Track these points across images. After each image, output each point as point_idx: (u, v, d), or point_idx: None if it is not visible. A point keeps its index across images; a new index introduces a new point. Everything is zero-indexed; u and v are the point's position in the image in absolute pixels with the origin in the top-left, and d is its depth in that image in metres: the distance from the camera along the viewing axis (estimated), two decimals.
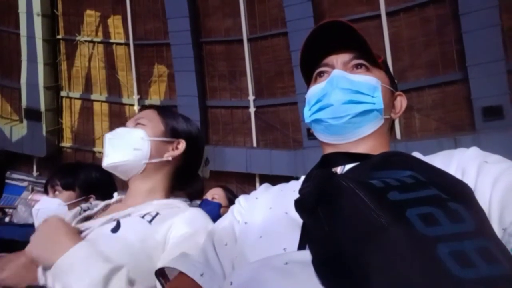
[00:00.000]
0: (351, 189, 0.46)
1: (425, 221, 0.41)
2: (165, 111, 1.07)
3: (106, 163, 0.96)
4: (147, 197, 0.96)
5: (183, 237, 0.84)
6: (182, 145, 1.03)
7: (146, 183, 0.99)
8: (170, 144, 1.02)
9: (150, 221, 0.85)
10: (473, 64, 6.65)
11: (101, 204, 1.02)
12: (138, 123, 1.01)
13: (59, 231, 0.79)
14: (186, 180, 1.08)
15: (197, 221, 0.88)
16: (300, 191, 0.57)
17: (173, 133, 1.03)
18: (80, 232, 0.85)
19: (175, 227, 0.85)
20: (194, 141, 1.08)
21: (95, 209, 0.99)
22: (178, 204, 0.96)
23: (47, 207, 1.43)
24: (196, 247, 0.75)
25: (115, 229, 0.83)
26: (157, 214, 0.87)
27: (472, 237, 0.40)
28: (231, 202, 2.13)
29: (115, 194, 1.06)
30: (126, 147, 0.96)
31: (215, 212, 2.05)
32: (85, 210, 1.00)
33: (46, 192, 1.50)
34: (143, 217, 0.86)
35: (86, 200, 1.46)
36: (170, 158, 1.00)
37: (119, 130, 1.00)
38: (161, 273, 0.74)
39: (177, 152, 1.02)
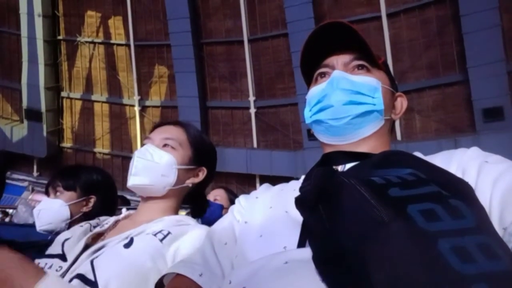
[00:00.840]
0: (352, 186, 0.47)
1: (426, 216, 0.41)
2: (193, 133, 1.06)
3: (132, 183, 0.96)
4: (159, 214, 0.97)
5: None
6: (203, 173, 1.05)
7: (161, 203, 1.00)
8: (192, 171, 1.03)
9: (161, 240, 0.85)
10: (473, 65, 6.65)
11: (111, 220, 1.02)
12: (167, 144, 1.00)
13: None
14: (194, 200, 1.11)
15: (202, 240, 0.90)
16: (301, 189, 0.58)
17: (198, 161, 1.04)
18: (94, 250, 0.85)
19: (183, 247, 0.86)
20: (213, 167, 1.10)
21: (106, 226, 0.99)
22: (188, 220, 0.96)
23: (49, 208, 1.44)
24: None
25: (128, 245, 0.84)
26: (168, 233, 0.87)
27: (473, 233, 0.40)
28: (232, 203, 2.12)
29: (124, 210, 1.06)
30: (154, 171, 0.96)
31: (217, 214, 2.05)
32: (94, 227, 0.99)
33: (47, 193, 1.51)
34: (155, 235, 0.87)
35: (87, 200, 1.47)
36: (190, 185, 1.03)
37: (150, 149, 0.98)
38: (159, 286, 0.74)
39: (197, 180, 1.04)
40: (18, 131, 11.14)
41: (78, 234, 0.93)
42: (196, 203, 1.13)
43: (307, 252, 0.51)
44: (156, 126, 1.08)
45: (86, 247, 0.89)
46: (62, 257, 0.87)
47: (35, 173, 11.41)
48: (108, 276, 0.76)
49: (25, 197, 10.13)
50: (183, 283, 0.66)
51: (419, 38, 7.43)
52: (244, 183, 8.94)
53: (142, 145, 1.03)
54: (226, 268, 0.67)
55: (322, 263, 0.47)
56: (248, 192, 0.83)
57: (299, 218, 0.57)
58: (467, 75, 6.80)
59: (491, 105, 6.54)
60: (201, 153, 1.05)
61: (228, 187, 2.54)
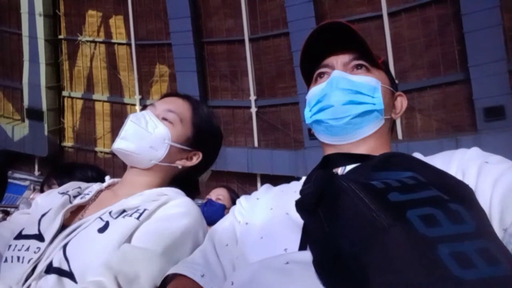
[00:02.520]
0: (351, 190, 0.46)
1: (426, 222, 0.41)
2: (201, 113, 0.98)
3: (117, 146, 0.90)
4: (141, 189, 0.90)
5: (159, 219, 0.81)
6: (197, 158, 0.97)
7: (144, 177, 0.94)
8: (186, 152, 0.95)
9: (138, 218, 0.80)
10: (474, 64, 6.64)
11: (94, 190, 0.94)
12: (167, 118, 0.93)
13: None
14: (185, 184, 1.00)
15: (179, 207, 0.84)
16: (301, 192, 0.57)
17: (196, 143, 0.95)
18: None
19: (154, 218, 0.82)
20: (211, 154, 1.02)
21: (87, 197, 0.92)
22: (167, 191, 0.89)
23: None
24: (171, 231, 0.77)
25: (102, 229, 0.78)
26: (144, 210, 0.82)
27: (472, 238, 0.40)
28: (235, 203, 2.11)
29: (107, 178, 1.00)
30: (144, 141, 0.89)
31: (219, 214, 2.05)
32: (74, 196, 0.92)
33: (42, 192, 1.50)
34: (131, 215, 0.81)
35: None
36: (180, 167, 0.95)
37: (147, 116, 0.92)
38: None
39: (189, 164, 0.96)
40: (20, 130, 11.15)
41: (55, 208, 0.85)
42: (186, 189, 1.02)
43: (308, 255, 0.51)
44: (166, 95, 1.01)
45: (64, 225, 0.82)
46: (39, 237, 0.81)
47: (36, 172, 11.43)
48: (84, 265, 0.72)
49: (26, 196, 10.13)
50: (185, 284, 0.66)
51: (420, 37, 7.41)
52: (245, 182, 8.94)
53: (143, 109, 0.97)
54: (227, 269, 0.67)
55: (322, 267, 0.47)
56: (249, 192, 0.83)
57: (300, 221, 0.57)
58: (468, 74, 6.79)
59: (492, 104, 6.53)
60: (202, 137, 0.97)
61: (229, 186, 2.55)
